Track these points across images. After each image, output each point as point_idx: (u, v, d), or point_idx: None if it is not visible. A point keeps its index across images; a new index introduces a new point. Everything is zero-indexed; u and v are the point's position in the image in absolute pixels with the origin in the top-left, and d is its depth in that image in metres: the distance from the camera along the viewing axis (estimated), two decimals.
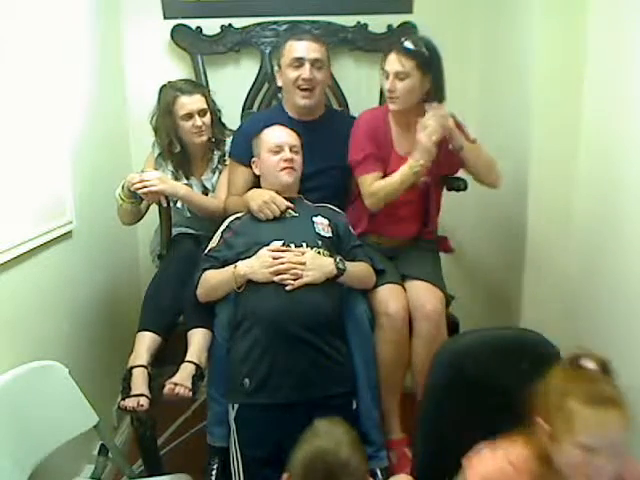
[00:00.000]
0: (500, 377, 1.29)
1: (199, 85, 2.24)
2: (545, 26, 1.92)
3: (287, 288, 1.66)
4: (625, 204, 1.68)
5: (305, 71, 2.02)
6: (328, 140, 2.08)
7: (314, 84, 2.04)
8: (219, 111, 2.19)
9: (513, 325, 2.10)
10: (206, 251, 1.86)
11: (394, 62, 1.87)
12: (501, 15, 2.28)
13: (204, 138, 2.10)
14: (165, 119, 2.07)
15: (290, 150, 1.92)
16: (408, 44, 1.87)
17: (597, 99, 1.84)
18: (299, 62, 2.03)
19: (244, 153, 2.05)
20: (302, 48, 2.04)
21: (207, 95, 2.14)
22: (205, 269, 1.80)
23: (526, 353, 1.32)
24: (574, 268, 1.96)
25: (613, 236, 1.75)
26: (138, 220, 2.12)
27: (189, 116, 2.05)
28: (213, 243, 1.88)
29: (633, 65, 1.64)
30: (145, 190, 1.90)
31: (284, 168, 1.91)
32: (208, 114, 2.10)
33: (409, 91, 1.89)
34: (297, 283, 1.66)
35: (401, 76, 1.86)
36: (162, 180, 1.95)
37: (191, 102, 2.06)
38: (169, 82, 2.11)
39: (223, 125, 2.21)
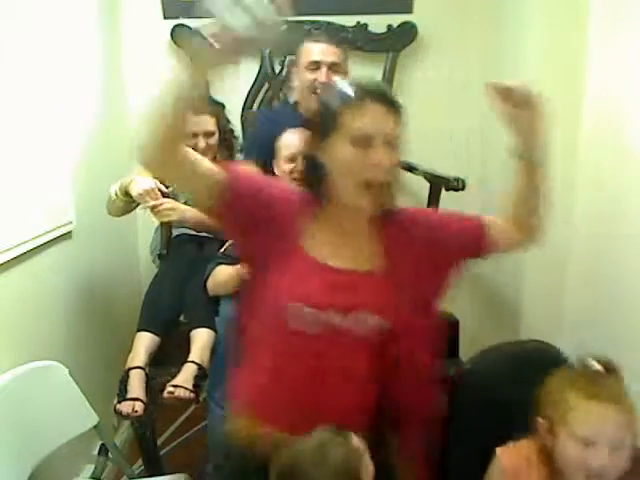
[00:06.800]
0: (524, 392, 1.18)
1: (213, 103, 2.12)
2: (546, 25, 1.92)
3: None
4: (627, 204, 1.68)
5: (321, 75, 2.01)
6: None
7: None
8: (232, 131, 2.16)
9: (513, 326, 2.10)
10: (222, 249, 1.85)
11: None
12: (501, 15, 2.28)
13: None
14: None
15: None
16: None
17: (597, 98, 1.84)
18: (316, 65, 2.02)
19: (254, 154, 2.02)
20: (319, 51, 2.03)
21: (218, 115, 2.08)
22: (219, 263, 1.81)
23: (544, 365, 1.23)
24: (575, 268, 1.95)
25: (614, 236, 1.75)
26: (127, 213, 2.06)
27: (194, 135, 1.97)
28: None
29: (633, 65, 1.64)
30: (157, 214, 1.88)
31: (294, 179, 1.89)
32: (215, 136, 2.04)
33: None
34: None
35: None
36: (173, 209, 1.89)
37: (197, 123, 1.98)
38: None
39: (232, 147, 2.15)
